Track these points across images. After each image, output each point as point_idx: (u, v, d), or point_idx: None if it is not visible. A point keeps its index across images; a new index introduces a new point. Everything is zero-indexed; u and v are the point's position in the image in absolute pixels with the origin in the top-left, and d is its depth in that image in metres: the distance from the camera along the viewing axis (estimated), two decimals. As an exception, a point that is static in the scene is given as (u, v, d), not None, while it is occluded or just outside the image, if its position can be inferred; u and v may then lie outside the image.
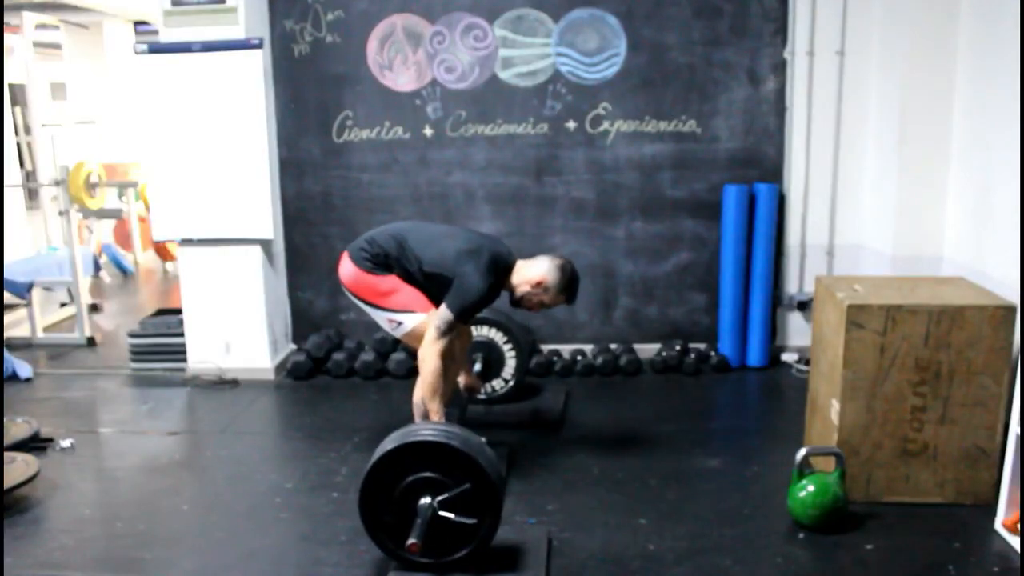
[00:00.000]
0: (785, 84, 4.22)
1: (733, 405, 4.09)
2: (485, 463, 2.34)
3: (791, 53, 4.19)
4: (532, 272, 3.03)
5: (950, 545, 2.59)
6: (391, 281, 3.01)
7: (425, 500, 2.33)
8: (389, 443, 2.39)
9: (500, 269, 2.99)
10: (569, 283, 3.04)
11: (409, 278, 3.01)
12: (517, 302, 3.09)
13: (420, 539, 2.26)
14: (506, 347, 3.80)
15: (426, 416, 2.90)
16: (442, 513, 2.31)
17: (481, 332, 3.74)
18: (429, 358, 2.85)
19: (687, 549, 2.60)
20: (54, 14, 7.97)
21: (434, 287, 2.97)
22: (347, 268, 3.09)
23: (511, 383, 3.83)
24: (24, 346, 5.12)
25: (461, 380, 3.31)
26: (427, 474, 2.33)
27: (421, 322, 2.95)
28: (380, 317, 3.06)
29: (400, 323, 3.00)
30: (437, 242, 3.01)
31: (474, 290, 2.88)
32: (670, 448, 3.39)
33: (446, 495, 2.32)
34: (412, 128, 4.38)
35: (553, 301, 3.06)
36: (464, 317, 2.92)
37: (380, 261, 3.01)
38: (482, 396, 3.76)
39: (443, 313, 2.87)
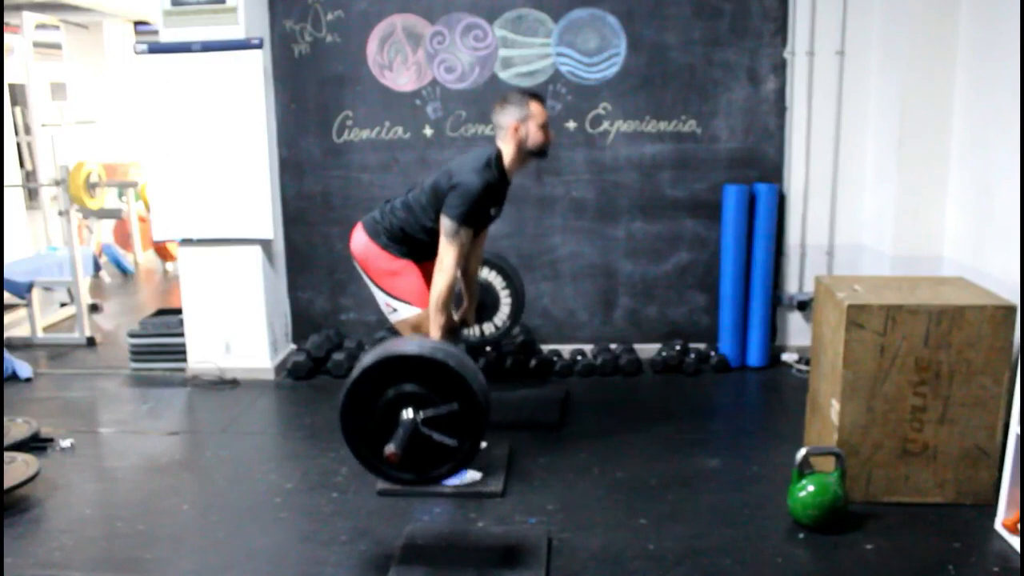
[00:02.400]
0: (785, 84, 4.22)
1: (733, 405, 4.09)
2: (476, 386, 2.31)
3: (791, 53, 4.19)
4: (506, 134, 2.95)
5: (950, 545, 2.59)
6: (401, 264, 2.99)
7: (408, 413, 2.30)
8: (381, 352, 2.36)
9: (490, 162, 2.93)
10: (520, 95, 2.96)
11: (428, 251, 2.96)
12: (533, 152, 2.98)
13: (399, 449, 2.23)
14: (503, 292, 3.75)
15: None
16: (424, 431, 2.29)
17: (482, 273, 3.68)
18: (446, 266, 2.83)
19: (687, 549, 2.60)
20: (54, 14, 7.97)
21: None
22: (360, 239, 3.06)
23: (502, 330, 3.78)
24: (24, 346, 5.12)
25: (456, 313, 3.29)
26: (415, 388, 2.30)
27: (416, 315, 2.96)
28: (380, 297, 3.06)
29: (396, 310, 3.02)
30: (433, 183, 2.96)
31: (471, 188, 2.83)
32: (670, 448, 3.39)
33: (432, 411, 2.29)
34: (412, 128, 4.38)
35: (537, 116, 2.94)
36: (467, 219, 2.85)
37: (397, 237, 2.99)
38: (470, 335, 3.70)
39: (445, 223, 2.84)
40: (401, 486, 2.40)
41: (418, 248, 3.00)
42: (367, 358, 2.37)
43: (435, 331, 2.89)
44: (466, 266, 3.27)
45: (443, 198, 2.89)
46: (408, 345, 2.40)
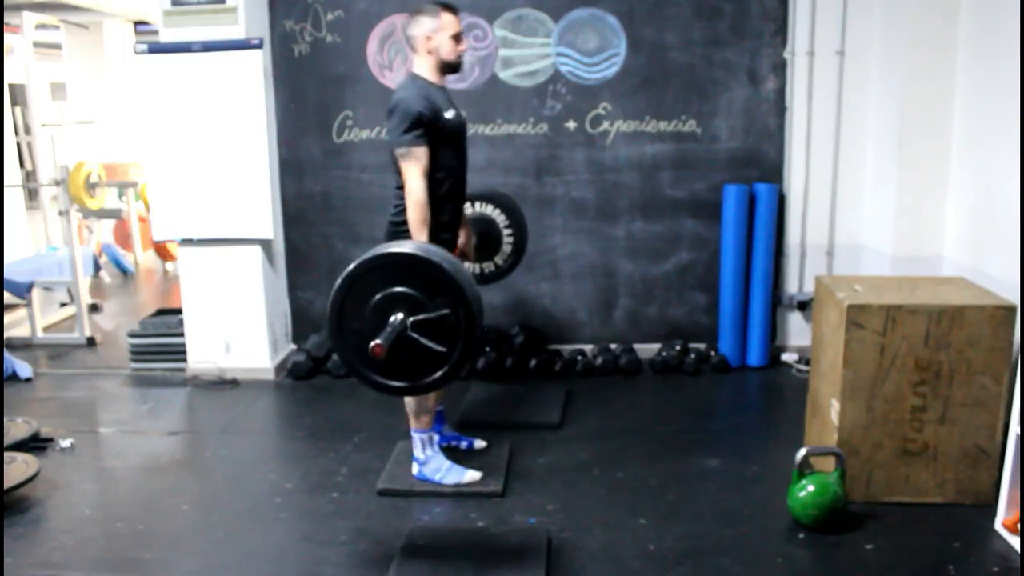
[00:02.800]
0: (785, 84, 4.22)
1: (733, 405, 4.09)
2: (470, 294, 2.28)
3: (791, 53, 4.19)
4: (419, 47, 2.89)
5: (950, 545, 2.59)
6: None
7: (399, 314, 2.27)
8: (378, 250, 2.35)
9: (412, 81, 2.88)
10: (432, 6, 2.89)
11: (447, 216, 2.92)
12: (453, 65, 2.93)
13: (386, 344, 2.21)
14: (506, 231, 3.70)
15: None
16: (412, 335, 2.27)
17: (486, 210, 3.65)
18: (412, 188, 2.77)
19: (687, 549, 2.60)
20: (54, 14, 7.97)
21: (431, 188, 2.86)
22: None
23: (503, 268, 3.71)
24: (24, 346, 5.12)
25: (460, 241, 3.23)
26: (408, 291, 2.27)
27: None
28: None
29: None
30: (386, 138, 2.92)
31: (403, 104, 2.77)
32: (670, 448, 3.39)
33: (422, 316, 2.27)
34: (412, 128, 4.37)
35: (449, 26, 2.89)
36: (413, 133, 2.77)
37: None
38: (471, 270, 3.61)
39: (397, 150, 2.79)
40: (390, 393, 2.38)
41: (435, 215, 2.88)
42: (353, 264, 2.33)
43: None
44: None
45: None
46: (403, 246, 2.37)
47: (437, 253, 2.34)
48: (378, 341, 2.21)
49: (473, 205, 3.65)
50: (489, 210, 3.66)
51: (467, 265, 3.51)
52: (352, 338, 2.33)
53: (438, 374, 2.35)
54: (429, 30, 2.87)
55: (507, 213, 3.69)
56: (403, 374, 2.36)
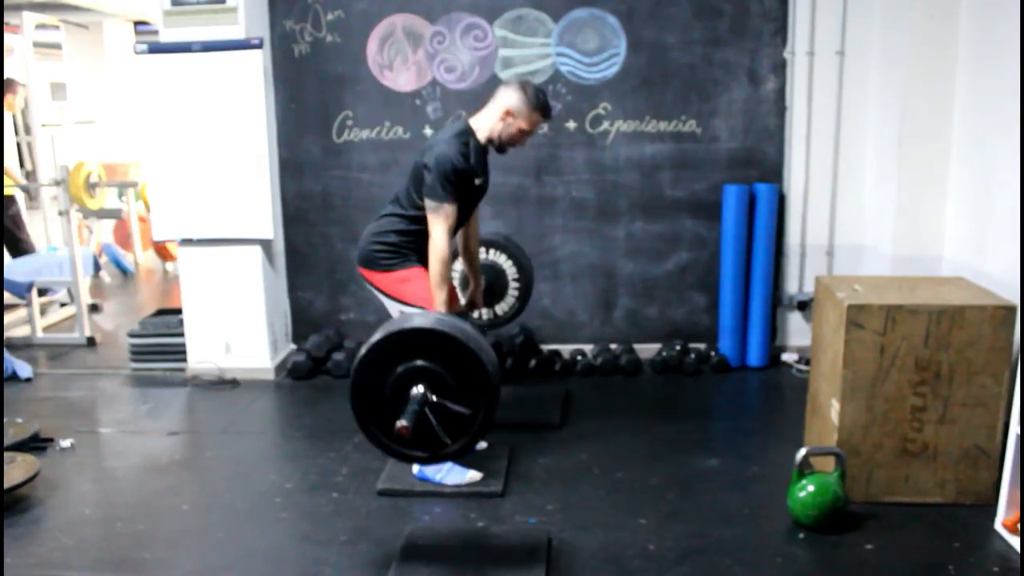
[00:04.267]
0: (785, 84, 4.22)
1: (733, 405, 4.09)
2: (493, 380, 2.29)
3: (791, 53, 4.19)
4: (496, 109, 2.94)
5: (950, 545, 2.59)
6: (409, 272, 2.96)
7: (419, 389, 2.27)
8: (404, 322, 2.36)
9: (461, 133, 2.92)
10: (536, 96, 2.93)
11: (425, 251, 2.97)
12: (501, 146, 2.99)
13: (411, 423, 2.21)
14: (513, 284, 3.73)
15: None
16: (430, 416, 2.27)
17: (499, 259, 3.71)
18: (438, 244, 2.82)
19: (687, 549, 2.60)
20: (54, 14, 7.97)
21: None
22: (365, 272, 3.04)
23: (502, 319, 3.77)
24: (24, 346, 5.12)
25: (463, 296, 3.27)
26: (434, 367, 2.27)
27: None
28: (392, 307, 3.03)
29: None
30: (413, 166, 2.97)
31: (445, 161, 2.80)
32: (670, 448, 3.39)
33: (446, 403, 2.27)
34: (412, 128, 4.38)
35: (530, 122, 2.95)
36: (447, 192, 2.81)
37: (395, 247, 2.96)
38: (477, 317, 3.68)
39: (428, 202, 2.83)
40: (410, 462, 2.41)
41: (423, 243, 2.92)
42: (387, 328, 2.34)
43: (439, 306, 2.86)
44: (466, 245, 3.26)
45: (422, 177, 2.87)
46: (440, 321, 2.36)
47: (487, 353, 2.33)
48: (403, 423, 2.21)
49: (488, 252, 3.71)
50: (504, 259, 3.73)
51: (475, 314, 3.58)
52: (374, 409, 2.33)
53: (460, 443, 2.36)
54: (514, 109, 2.92)
55: (518, 268, 3.75)
56: (426, 442, 2.36)
